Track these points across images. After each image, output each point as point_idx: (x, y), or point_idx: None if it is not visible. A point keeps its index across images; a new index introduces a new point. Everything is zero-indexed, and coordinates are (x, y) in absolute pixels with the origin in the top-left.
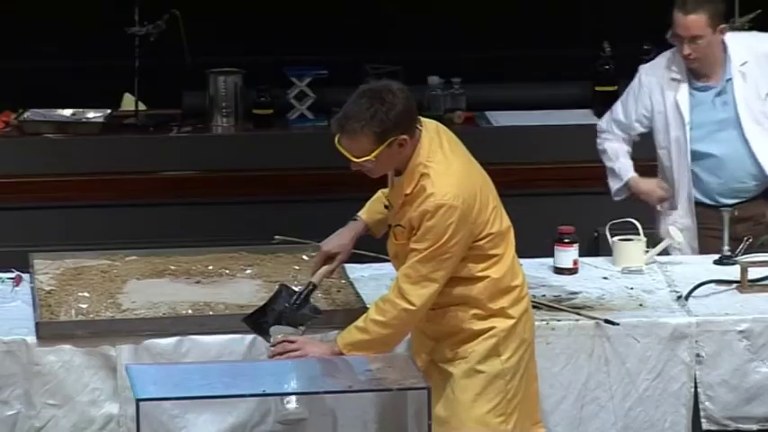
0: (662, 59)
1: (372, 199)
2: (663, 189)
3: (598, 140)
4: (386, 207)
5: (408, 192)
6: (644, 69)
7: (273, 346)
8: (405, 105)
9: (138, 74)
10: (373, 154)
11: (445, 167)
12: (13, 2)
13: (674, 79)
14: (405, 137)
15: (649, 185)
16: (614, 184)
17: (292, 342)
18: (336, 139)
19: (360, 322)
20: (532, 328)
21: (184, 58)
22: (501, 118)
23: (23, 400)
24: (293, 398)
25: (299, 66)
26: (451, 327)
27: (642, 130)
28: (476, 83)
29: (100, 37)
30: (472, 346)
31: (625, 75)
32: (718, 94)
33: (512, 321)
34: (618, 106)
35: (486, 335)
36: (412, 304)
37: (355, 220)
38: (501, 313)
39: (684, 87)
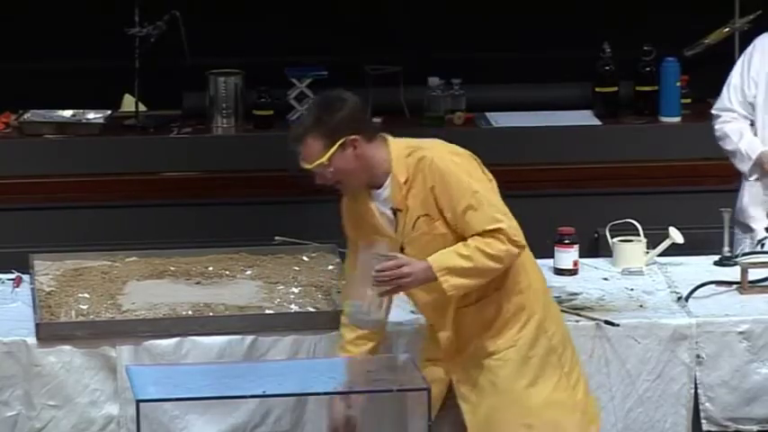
0: None
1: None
2: None
3: (716, 127)
4: (395, 212)
5: (406, 177)
6: (759, 38)
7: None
8: (351, 109)
9: (138, 75)
10: (325, 156)
11: (432, 143)
12: (13, 2)
13: None
14: (355, 137)
15: None
16: (744, 165)
17: (397, 266)
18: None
19: (462, 250)
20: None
21: (185, 58)
22: (501, 119)
23: (23, 400)
24: (373, 308)
25: (299, 66)
26: (491, 315)
27: (756, 93)
28: (476, 84)
29: (100, 38)
30: (516, 332)
31: (625, 76)
32: None
33: (540, 292)
34: (732, 76)
35: (525, 315)
36: (516, 244)
37: None
38: (528, 289)
39: None
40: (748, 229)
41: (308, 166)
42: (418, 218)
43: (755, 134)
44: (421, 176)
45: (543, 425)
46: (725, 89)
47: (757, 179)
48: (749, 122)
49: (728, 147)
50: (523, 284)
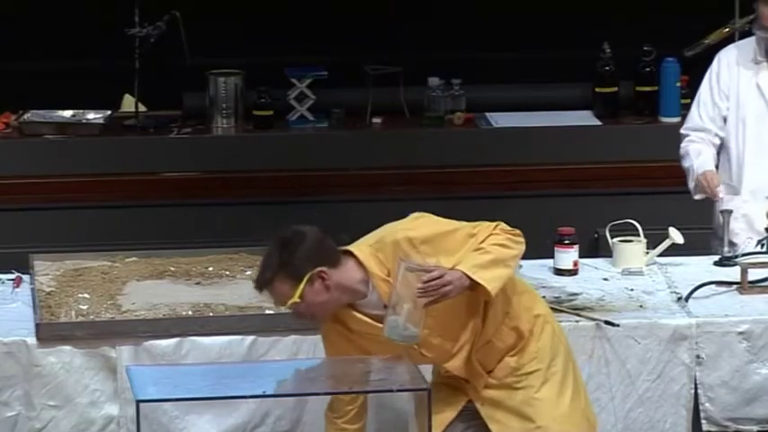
0: (742, 43)
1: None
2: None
3: (681, 145)
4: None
5: (387, 271)
6: (722, 52)
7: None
8: (312, 242)
9: (138, 75)
10: (296, 295)
11: (386, 228)
12: (13, 2)
13: (754, 62)
14: (320, 269)
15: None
16: (691, 184)
17: (440, 276)
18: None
19: (476, 251)
20: None
21: (184, 59)
22: (501, 119)
23: (23, 401)
24: (410, 323)
25: (299, 67)
26: (513, 340)
27: (728, 105)
28: (476, 84)
29: (100, 38)
30: (536, 342)
31: (625, 76)
32: None
33: (540, 300)
34: (701, 93)
35: (541, 321)
36: (514, 233)
37: None
38: (532, 299)
39: (766, 69)
40: (731, 245)
41: (282, 308)
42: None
43: (724, 148)
44: (397, 260)
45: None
46: (694, 107)
47: (702, 198)
48: (718, 142)
49: (685, 164)
50: (521, 288)
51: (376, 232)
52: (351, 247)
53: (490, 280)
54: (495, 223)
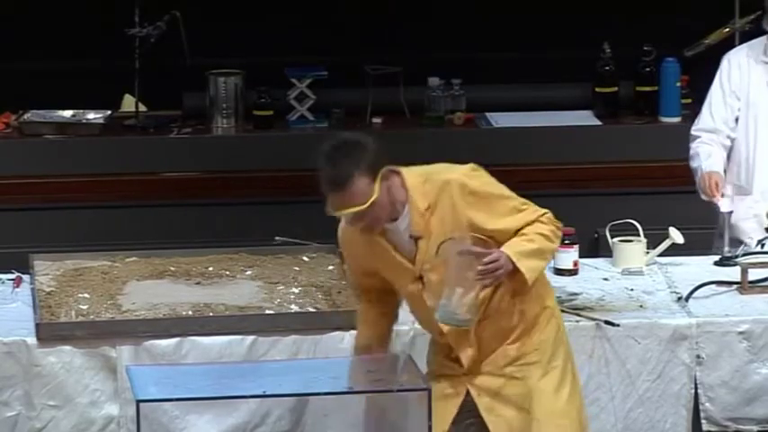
0: (753, 43)
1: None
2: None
3: (692, 145)
4: (416, 240)
5: (427, 204)
6: (730, 53)
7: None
8: (376, 142)
9: (138, 75)
10: (375, 192)
11: (441, 166)
12: (13, 2)
13: (765, 61)
14: (390, 167)
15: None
16: (697, 184)
17: (497, 259)
18: (333, 205)
19: (523, 236)
20: None
21: (185, 59)
22: (501, 119)
23: (24, 401)
24: (462, 308)
25: (299, 67)
26: (514, 322)
27: (740, 105)
28: (476, 84)
29: (100, 38)
30: (539, 334)
31: (625, 76)
32: None
33: (552, 292)
34: (712, 95)
35: (547, 315)
36: (557, 225)
37: None
38: (546, 286)
39: None
40: (738, 244)
41: (360, 208)
42: (441, 243)
43: (735, 148)
44: (448, 200)
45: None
46: (705, 108)
47: (708, 200)
48: (728, 143)
49: (693, 165)
50: (542, 282)
51: (428, 166)
52: (400, 168)
53: (529, 269)
54: (543, 210)
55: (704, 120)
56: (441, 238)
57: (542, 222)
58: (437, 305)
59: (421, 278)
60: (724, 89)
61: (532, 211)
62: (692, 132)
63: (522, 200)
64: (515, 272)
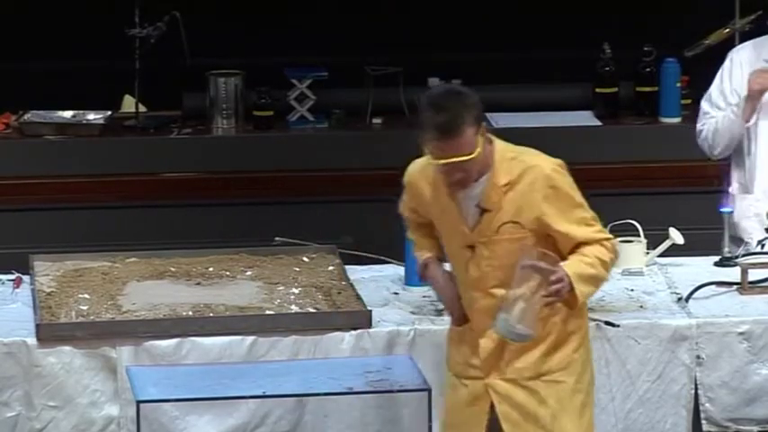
0: (756, 42)
1: (417, 243)
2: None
3: (699, 126)
4: (482, 211)
5: (508, 180)
6: (734, 50)
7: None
8: (469, 92)
9: (138, 75)
10: (480, 142)
11: (526, 148)
12: (13, 2)
13: (765, 60)
14: (483, 125)
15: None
16: (738, 112)
17: (559, 279)
18: (438, 152)
19: (586, 258)
20: None
21: (185, 59)
22: (501, 119)
23: (24, 401)
24: (521, 323)
25: (299, 67)
26: (547, 331)
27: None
28: (476, 84)
29: (100, 39)
30: (571, 352)
31: (625, 76)
32: None
33: (586, 309)
34: (711, 91)
35: (579, 338)
36: (616, 254)
37: (426, 264)
38: (584, 307)
39: None
40: (740, 242)
41: (466, 158)
42: (505, 223)
43: (736, 149)
44: (528, 184)
45: None
46: (704, 104)
47: (754, 120)
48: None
49: (718, 124)
50: (583, 303)
51: (519, 146)
52: (494, 137)
53: (583, 294)
54: (608, 235)
55: (703, 107)
56: (506, 218)
57: (605, 248)
58: (497, 317)
59: (473, 247)
60: (724, 86)
61: (599, 229)
62: (698, 127)
63: (593, 214)
64: (569, 291)
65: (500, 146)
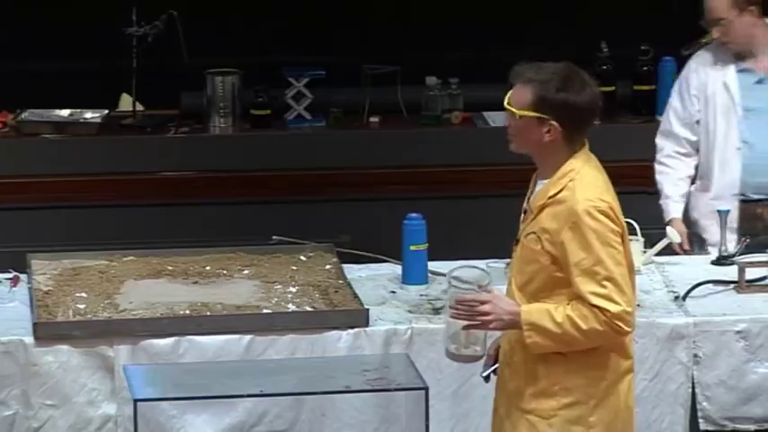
0: (708, 47)
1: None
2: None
3: (655, 166)
4: (523, 212)
5: (552, 194)
6: (694, 56)
7: (457, 303)
8: (577, 98)
9: (135, 74)
10: (521, 111)
11: (593, 179)
12: (13, 2)
13: (720, 62)
14: (555, 123)
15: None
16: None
17: (479, 302)
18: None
19: (556, 314)
20: None
21: (182, 58)
22: (498, 118)
23: (21, 400)
24: (462, 343)
25: (296, 66)
26: (540, 374)
27: (699, 108)
28: (473, 83)
29: (97, 37)
30: (557, 407)
31: (623, 75)
32: (760, 81)
33: (609, 382)
34: (671, 100)
35: (573, 397)
36: (615, 330)
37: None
38: (628, 347)
39: (731, 69)
40: (701, 241)
41: (507, 107)
42: (532, 233)
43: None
44: (565, 210)
45: None
46: (667, 110)
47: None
48: (688, 149)
49: (660, 201)
50: (598, 361)
51: (582, 166)
52: (583, 147)
53: (537, 345)
54: (611, 308)
55: (664, 123)
56: (535, 228)
57: (594, 315)
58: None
59: (518, 241)
60: (682, 93)
61: (603, 293)
62: (657, 141)
63: (610, 275)
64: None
65: (578, 163)
